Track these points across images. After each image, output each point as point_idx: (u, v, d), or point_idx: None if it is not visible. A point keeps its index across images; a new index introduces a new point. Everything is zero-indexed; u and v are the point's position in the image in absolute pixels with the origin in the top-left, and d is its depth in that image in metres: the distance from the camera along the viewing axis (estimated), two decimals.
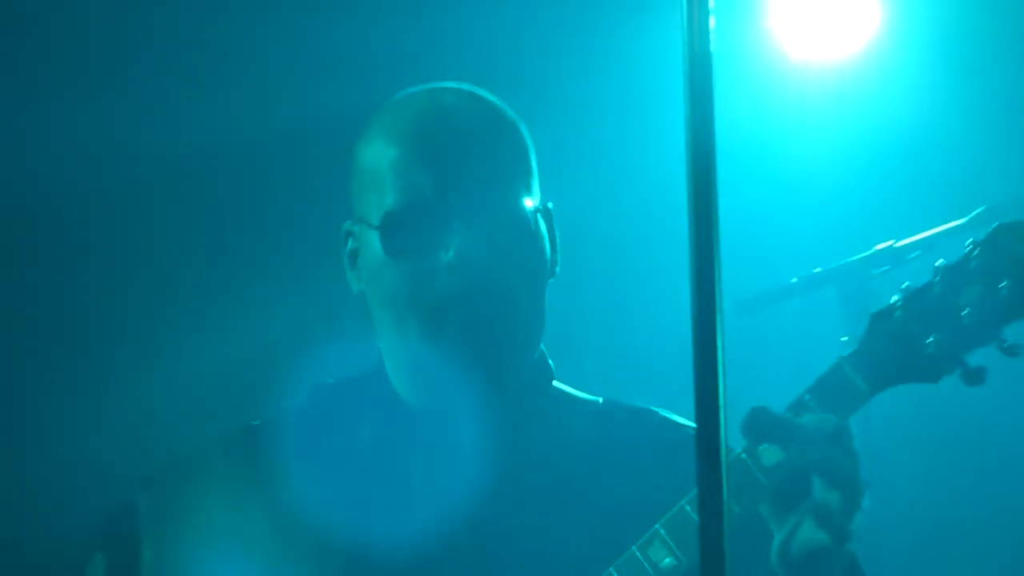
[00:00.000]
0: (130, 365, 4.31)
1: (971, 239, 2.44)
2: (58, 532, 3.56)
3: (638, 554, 2.49)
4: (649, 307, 3.80)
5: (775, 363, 4.05)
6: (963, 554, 4.68)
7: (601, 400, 2.84)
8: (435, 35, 4.43)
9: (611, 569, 2.47)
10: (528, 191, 2.72)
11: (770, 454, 2.41)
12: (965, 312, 2.39)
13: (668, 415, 2.75)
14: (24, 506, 3.85)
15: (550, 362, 2.76)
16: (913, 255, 3.88)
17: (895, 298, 2.45)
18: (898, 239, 3.90)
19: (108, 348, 4.39)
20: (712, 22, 1.46)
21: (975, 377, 2.36)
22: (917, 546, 4.37)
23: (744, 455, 2.43)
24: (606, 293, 4.06)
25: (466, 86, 2.76)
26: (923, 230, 3.88)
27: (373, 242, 2.62)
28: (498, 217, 2.64)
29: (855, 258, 3.94)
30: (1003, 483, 4.61)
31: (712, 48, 1.45)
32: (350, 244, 2.69)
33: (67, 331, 4.47)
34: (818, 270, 3.99)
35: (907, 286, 2.43)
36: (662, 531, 2.48)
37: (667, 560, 2.46)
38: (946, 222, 3.82)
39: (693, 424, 2.59)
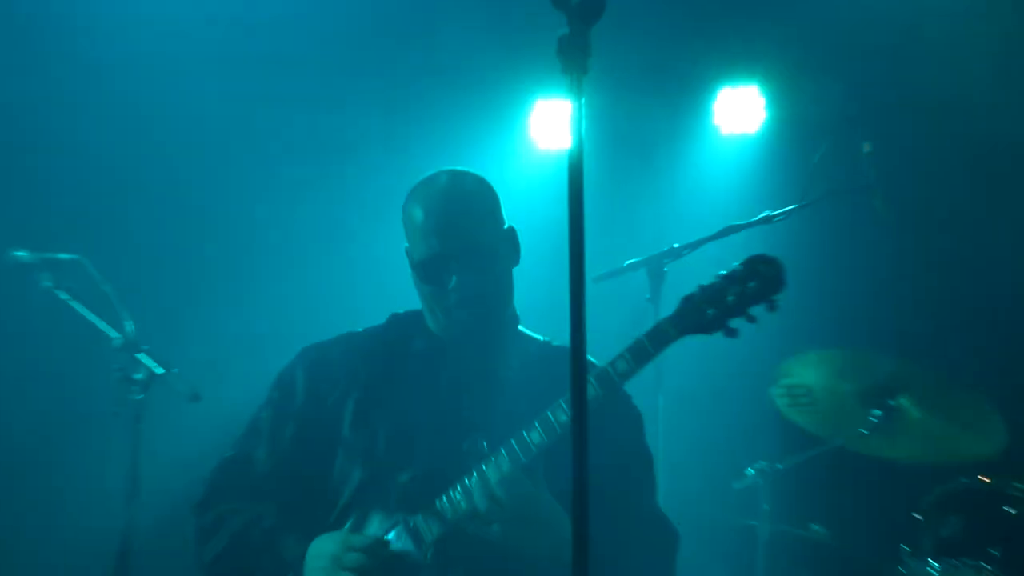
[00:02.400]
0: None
1: (739, 260, 3.21)
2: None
3: (549, 415, 3.30)
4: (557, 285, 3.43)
5: (613, 311, 5.07)
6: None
7: (541, 338, 3.73)
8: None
9: (535, 422, 3.28)
10: (498, 226, 3.56)
11: (622, 364, 3.24)
12: (730, 298, 3.21)
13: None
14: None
15: (517, 314, 3.68)
16: (686, 253, 5.28)
17: (694, 289, 3.24)
18: (677, 244, 5.33)
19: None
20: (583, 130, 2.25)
21: (732, 333, 3.20)
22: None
23: (608, 366, 3.27)
24: (539, 274, 4.24)
25: (456, 167, 3.66)
26: (690, 240, 5.31)
27: (413, 269, 3.58)
28: (480, 254, 3.50)
29: (654, 254, 5.32)
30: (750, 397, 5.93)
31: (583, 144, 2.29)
32: (407, 258, 3.61)
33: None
34: (633, 260, 5.36)
35: (700, 284, 3.24)
36: (563, 403, 3.27)
37: (564, 417, 3.27)
38: (702, 236, 5.28)
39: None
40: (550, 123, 6.68)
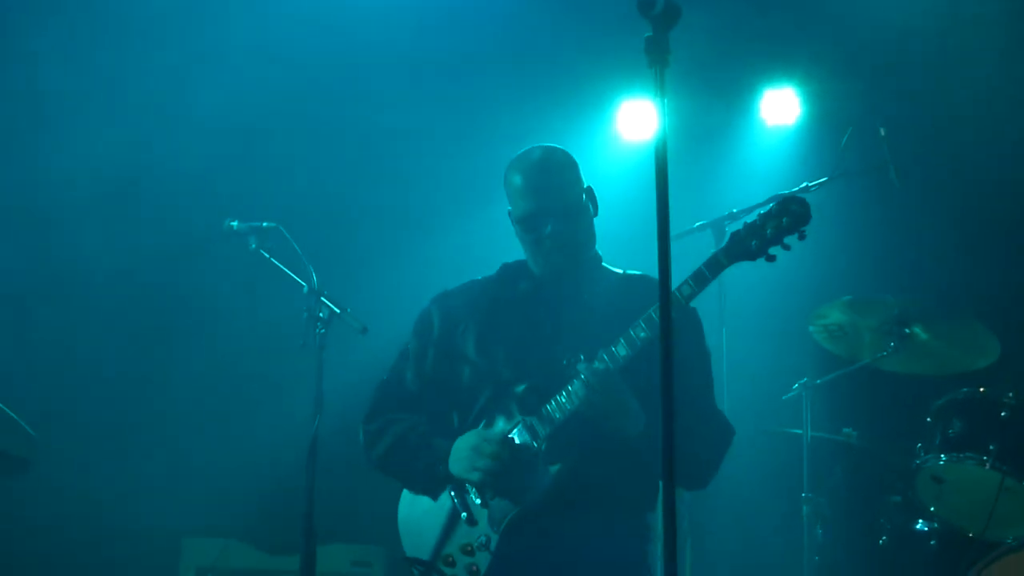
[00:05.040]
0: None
1: (774, 201, 3.24)
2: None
3: (631, 332, 3.34)
4: (640, 236, 3.50)
5: (689, 258, 4.00)
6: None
7: (621, 271, 3.72)
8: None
9: (621, 338, 3.33)
10: (580, 187, 3.59)
11: (686, 288, 3.26)
12: (768, 231, 3.21)
13: (650, 276, 3.41)
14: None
15: (600, 253, 3.70)
16: (741, 217, 5.09)
17: (741, 225, 3.29)
18: (735, 209, 5.25)
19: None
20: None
21: (771, 259, 3.22)
22: None
23: (676, 290, 3.23)
24: (619, 226, 4.33)
25: (546, 144, 3.66)
26: (744, 206, 5.18)
27: (515, 224, 3.64)
28: (566, 209, 3.55)
29: (717, 217, 5.30)
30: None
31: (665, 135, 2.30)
32: (510, 218, 3.66)
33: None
34: (701, 222, 5.36)
35: (744, 221, 3.29)
36: (642, 322, 3.30)
37: (643, 334, 3.31)
38: (754, 203, 5.08)
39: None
40: (633, 119, 7.03)
